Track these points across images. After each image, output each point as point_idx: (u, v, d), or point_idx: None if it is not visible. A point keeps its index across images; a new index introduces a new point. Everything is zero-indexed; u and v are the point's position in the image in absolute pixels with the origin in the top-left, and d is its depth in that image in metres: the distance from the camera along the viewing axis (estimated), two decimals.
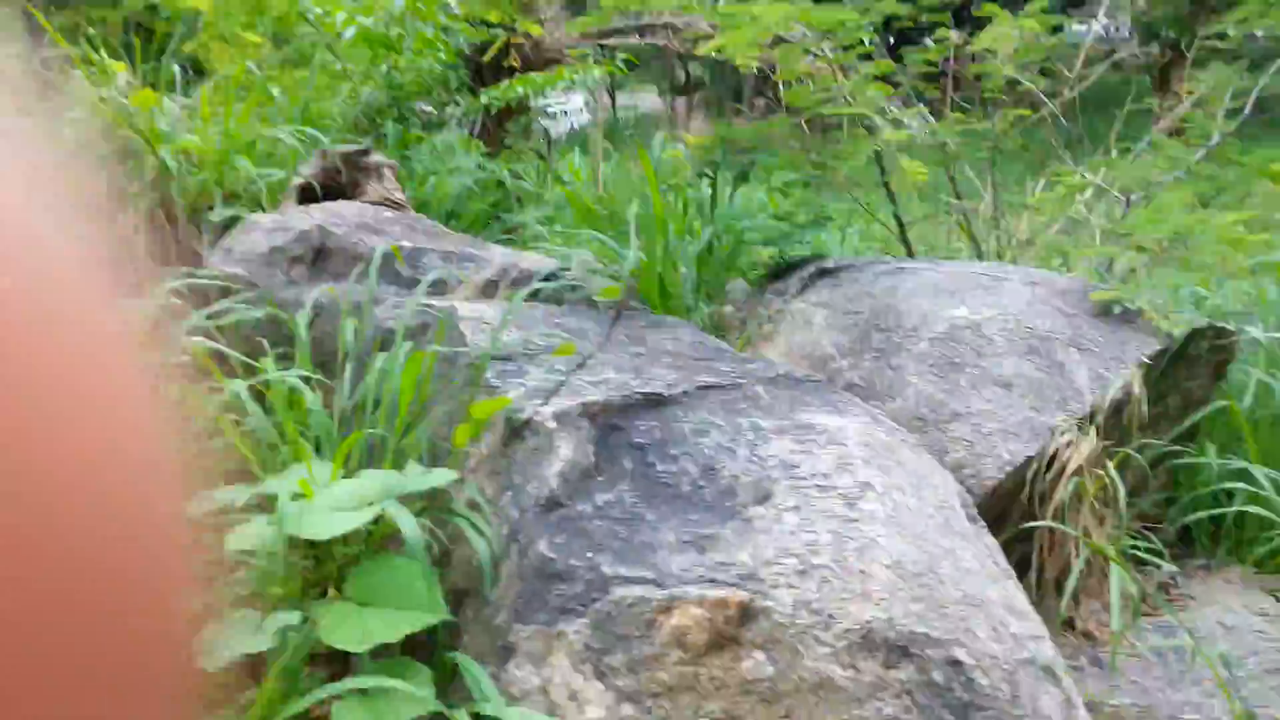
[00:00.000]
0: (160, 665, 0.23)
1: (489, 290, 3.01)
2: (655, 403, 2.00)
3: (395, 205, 3.66)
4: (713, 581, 1.56)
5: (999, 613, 1.56)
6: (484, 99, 5.06)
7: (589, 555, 1.68)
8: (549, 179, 5.62)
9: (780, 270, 3.06)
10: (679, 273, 2.82)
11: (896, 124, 2.72)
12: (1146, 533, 2.46)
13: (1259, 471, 2.39)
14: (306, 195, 3.67)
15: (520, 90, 4.86)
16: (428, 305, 2.50)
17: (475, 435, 2.03)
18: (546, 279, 2.96)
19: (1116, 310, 2.52)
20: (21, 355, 0.20)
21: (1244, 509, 2.36)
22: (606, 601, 1.59)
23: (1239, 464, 2.43)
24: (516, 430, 1.95)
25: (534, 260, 3.09)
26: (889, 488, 1.69)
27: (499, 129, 5.90)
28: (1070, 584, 2.11)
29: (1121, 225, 2.77)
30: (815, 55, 2.70)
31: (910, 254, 3.40)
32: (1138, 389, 2.28)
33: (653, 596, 1.56)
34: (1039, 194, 3.11)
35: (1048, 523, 2.05)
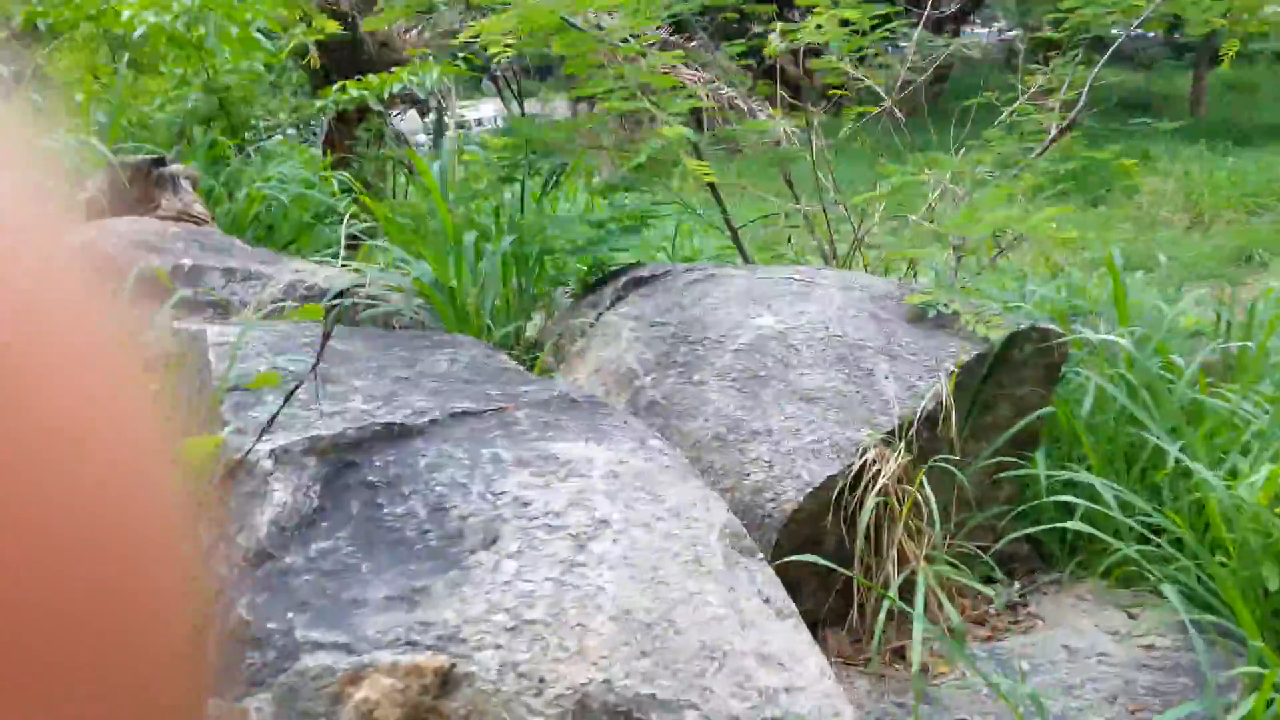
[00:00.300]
0: (160, 657, 0.23)
1: (274, 309, 2.74)
2: (399, 434, 1.76)
3: (194, 219, 3.37)
4: (411, 644, 1.33)
5: (747, 664, 1.36)
6: (318, 104, 4.79)
7: (288, 616, 1.44)
8: (404, 189, 5.36)
9: (597, 281, 2.86)
10: (476, 287, 2.59)
11: (676, 118, 2.53)
12: (982, 549, 2.30)
13: (1098, 482, 2.23)
14: (97, 212, 3.36)
15: (354, 94, 4.60)
16: (177, 329, 2.24)
17: (192, 478, 1.77)
18: (339, 296, 2.71)
19: (931, 314, 2.36)
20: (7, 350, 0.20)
21: (1069, 525, 2.20)
22: (292, 672, 1.35)
23: (1075, 475, 2.27)
24: (232, 471, 1.70)
25: (327, 276, 2.84)
26: (630, 524, 1.48)
27: (346, 136, 5.63)
28: (881, 614, 1.93)
29: (939, 226, 2.62)
30: (608, 43, 2.50)
31: (745, 259, 3.22)
32: (945, 398, 2.12)
33: (340, 665, 1.32)
34: (861, 195, 2.95)
35: (808, 556, 1.86)
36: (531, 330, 2.89)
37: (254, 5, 3.92)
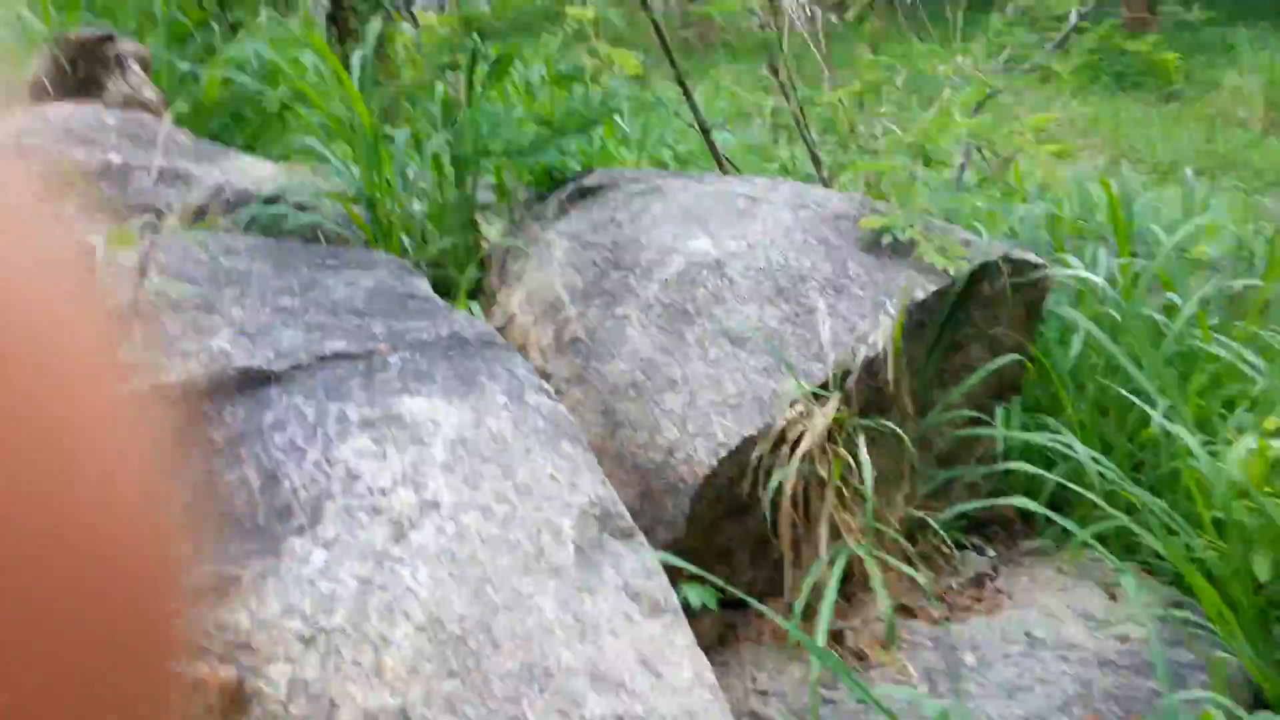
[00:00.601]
0: (152, 682, 0.23)
1: (199, 216, 2.57)
2: (256, 381, 1.60)
3: (143, 105, 3.17)
4: (204, 650, 1.19)
5: (576, 685, 1.19)
6: None
7: None
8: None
9: (550, 189, 2.63)
10: (407, 194, 2.39)
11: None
12: (929, 518, 2.10)
13: (1076, 444, 1.97)
14: (39, 96, 3.18)
15: None
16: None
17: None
18: (267, 203, 2.52)
19: (887, 241, 2.11)
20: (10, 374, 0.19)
21: (1016, 502, 1.99)
22: None
23: (1038, 437, 2.04)
24: None
25: (258, 178, 2.64)
26: (463, 506, 1.30)
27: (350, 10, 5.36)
28: (800, 597, 1.75)
29: (908, 134, 2.34)
30: None
31: (720, 164, 2.96)
32: (881, 344, 1.89)
33: None
34: (835, 92, 2.65)
35: (670, 558, 1.67)
36: (495, 240, 2.68)
37: None
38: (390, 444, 1.39)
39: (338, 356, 1.66)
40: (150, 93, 3.24)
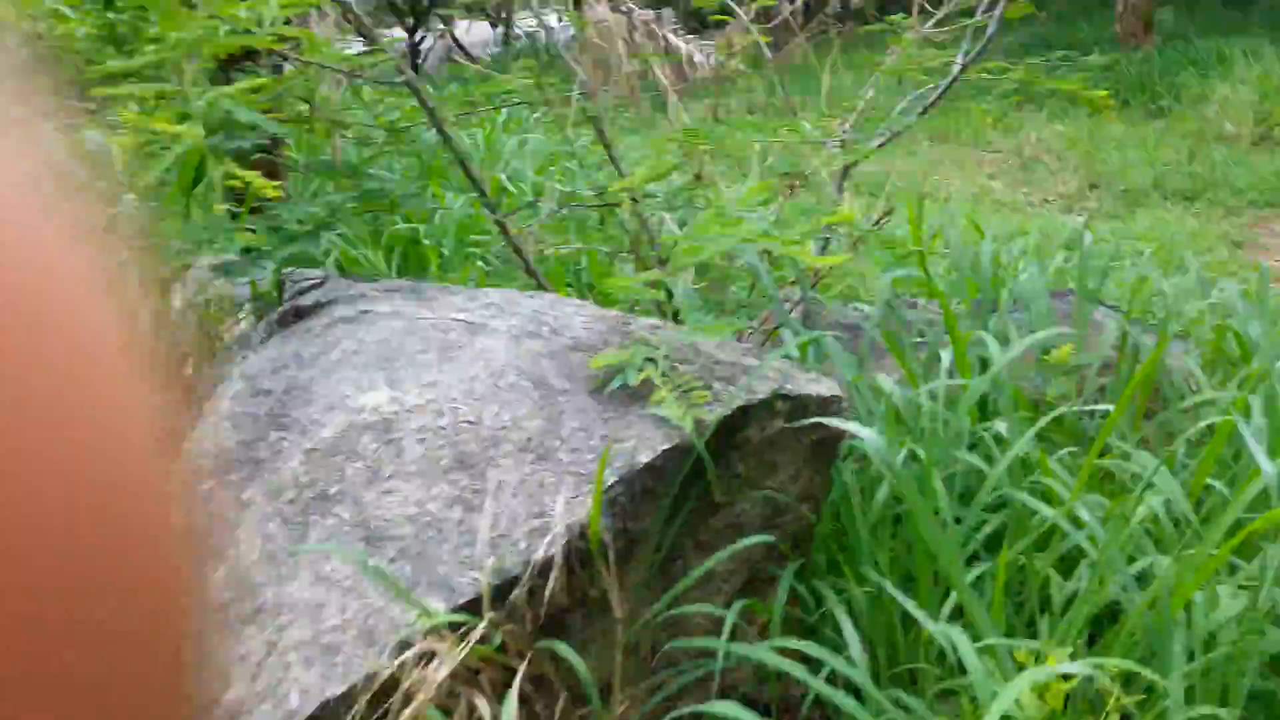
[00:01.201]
0: (155, 676, 0.22)
1: None
2: None
3: None
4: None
5: None
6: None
7: None
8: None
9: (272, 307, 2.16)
10: None
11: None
12: None
13: (850, 638, 1.47)
14: None
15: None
16: None
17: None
18: None
19: (617, 384, 1.61)
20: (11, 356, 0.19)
21: None
22: None
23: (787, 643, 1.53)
24: None
25: None
26: None
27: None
28: None
29: (660, 251, 1.84)
30: None
31: (530, 272, 2.45)
32: (544, 550, 1.37)
33: None
34: (621, 182, 2.15)
35: None
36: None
37: None
38: None
39: None
40: None
